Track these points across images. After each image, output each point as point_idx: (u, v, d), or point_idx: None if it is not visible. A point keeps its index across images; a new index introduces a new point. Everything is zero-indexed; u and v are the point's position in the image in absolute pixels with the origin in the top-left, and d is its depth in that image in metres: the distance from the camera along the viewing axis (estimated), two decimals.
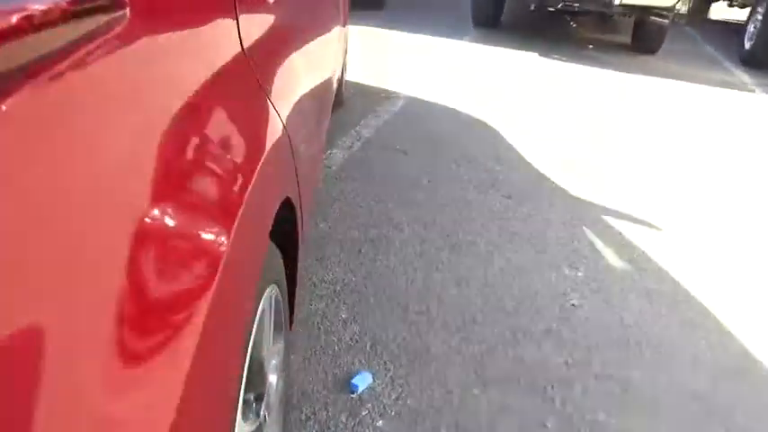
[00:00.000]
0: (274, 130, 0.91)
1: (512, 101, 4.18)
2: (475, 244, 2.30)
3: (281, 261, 1.07)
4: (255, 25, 0.98)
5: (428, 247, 2.23)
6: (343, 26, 2.96)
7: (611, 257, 2.33)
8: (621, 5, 5.64)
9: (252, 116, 0.85)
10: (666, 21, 5.93)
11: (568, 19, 7.41)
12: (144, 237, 0.53)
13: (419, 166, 2.93)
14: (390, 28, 5.94)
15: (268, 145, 0.82)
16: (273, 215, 0.84)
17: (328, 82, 2.11)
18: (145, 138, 0.59)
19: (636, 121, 4.08)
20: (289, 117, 1.06)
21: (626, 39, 6.58)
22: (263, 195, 0.77)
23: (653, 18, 5.91)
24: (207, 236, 0.61)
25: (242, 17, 0.86)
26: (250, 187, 0.70)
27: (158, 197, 0.57)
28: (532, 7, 6.27)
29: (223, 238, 0.61)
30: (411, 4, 8.14)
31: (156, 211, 0.55)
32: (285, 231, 1.16)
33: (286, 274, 1.14)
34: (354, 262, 2.09)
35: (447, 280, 2.05)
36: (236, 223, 0.64)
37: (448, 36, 5.97)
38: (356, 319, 1.80)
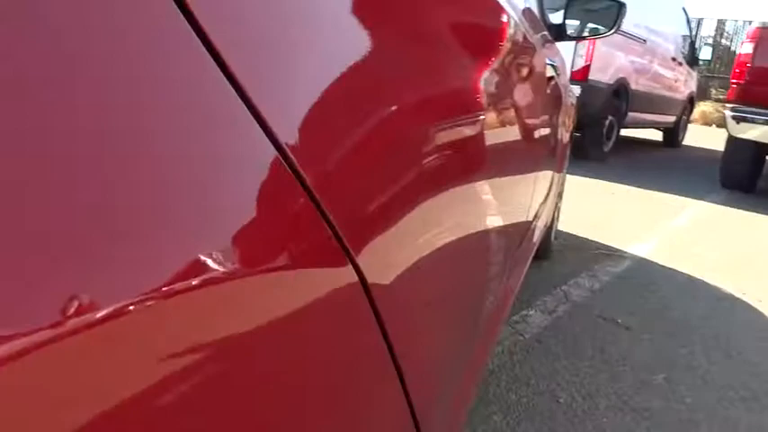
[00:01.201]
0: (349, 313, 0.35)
1: None
2: None
3: None
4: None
5: None
6: (559, 172, 2.48)
7: None
8: None
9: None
10: None
11: None
12: None
13: (650, 353, 2.08)
14: (615, 181, 5.23)
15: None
16: None
17: (518, 228, 1.49)
18: None
19: None
20: (403, 274, 0.48)
21: None
22: None
23: None
24: None
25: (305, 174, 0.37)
26: None
27: None
28: None
29: None
30: (637, 159, 7.39)
31: None
32: None
33: None
34: None
35: None
36: None
37: (686, 195, 5.04)
38: None
